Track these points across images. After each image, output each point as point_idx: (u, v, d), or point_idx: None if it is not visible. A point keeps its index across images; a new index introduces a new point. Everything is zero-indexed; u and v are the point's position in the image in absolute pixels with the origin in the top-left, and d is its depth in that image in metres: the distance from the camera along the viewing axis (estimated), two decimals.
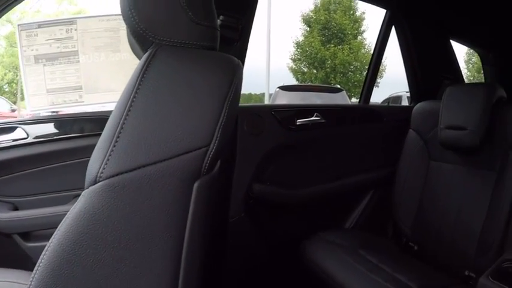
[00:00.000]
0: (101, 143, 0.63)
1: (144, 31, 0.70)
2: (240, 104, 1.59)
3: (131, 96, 0.64)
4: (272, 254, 1.77)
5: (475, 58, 15.52)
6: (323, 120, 1.79)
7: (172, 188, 0.63)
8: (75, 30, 1.55)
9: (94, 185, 0.60)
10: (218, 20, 1.38)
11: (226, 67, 0.74)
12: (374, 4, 1.97)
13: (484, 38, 2.47)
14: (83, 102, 1.58)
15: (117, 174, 0.60)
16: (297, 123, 1.73)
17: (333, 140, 1.86)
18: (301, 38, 18.05)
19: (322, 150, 1.84)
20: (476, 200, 1.59)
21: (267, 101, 13.06)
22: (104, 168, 0.60)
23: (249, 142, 1.61)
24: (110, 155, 0.61)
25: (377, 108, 2.01)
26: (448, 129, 1.65)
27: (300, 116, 1.75)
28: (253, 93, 18.51)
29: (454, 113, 1.65)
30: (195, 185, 0.66)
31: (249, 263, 1.73)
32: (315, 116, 1.77)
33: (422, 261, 1.67)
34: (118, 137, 0.62)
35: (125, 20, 0.72)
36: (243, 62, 1.52)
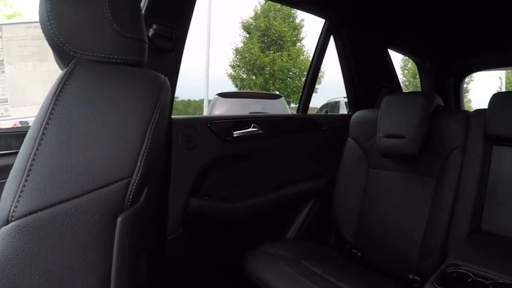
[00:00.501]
0: (12, 177, 0.54)
1: (64, 44, 0.62)
2: (174, 116, 1.51)
3: (43, 123, 0.56)
4: (214, 270, 1.71)
5: (411, 64, 16.48)
6: (261, 131, 1.74)
7: (92, 225, 0.56)
8: (0, 37, 1.40)
9: (6, 225, 0.52)
10: (151, 29, 1.29)
11: (151, 86, 0.67)
12: (313, 14, 1.96)
13: (421, 47, 2.56)
14: (9, 116, 1.42)
15: (30, 213, 0.53)
16: (234, 135, 1.67)
17: (272, 151, 1.82)
18: (240, 45, 18.13)
19: (260, 161, 1.80)
20: (416, 206, 1.63)
21: (206, 107, 12.95)
22: (15, 207, 0.52)
23: (184, 156, 1.53)
24: (21, 191, 0.53)
25: (315, 117, 2.01)
26: (386, 138, 1.67)
27: (237, 127, 1.69)
28: (192, 99, 18.31)
29: (392, 121, 1.67)
30: (119, 219, 0.59)
31: (190, 281, 1.64)
32: (252, 127, 1.72)
33: (366, 267, 1.68)
34: (30, 170, 0.54)
35: (43, 31, 0.63)
36: (177, 73, 1.45)
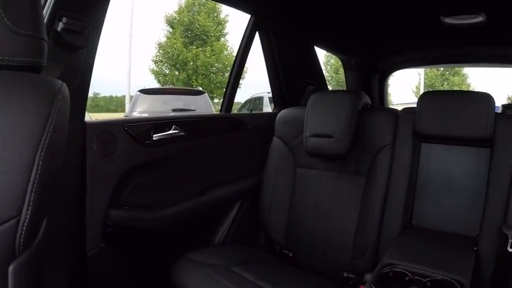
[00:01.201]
0: None
1: None
2: (88, 120, 1.34)
3: None
4: (141, 283, 1.59)
5: (333, 60, 17.13)
6: (182, 133, 1.64)
7: None
8: None
9: None
10: (60, 23, 1.13)
11: (41, 98, 0.54)
12: (239, 9, 1.88)
13: (347, 45, 2.59)
14: None
15: None
16: (154, 138, 1.55)
17: (195, 153, 1.72)
18: (163, 39, 17.65)
19: (183, 165, 1.70)
20: (347, 205, 1.64)
21: (127, 104, 12.41)
22: None
23: (100, 164, 1.38)
24: None
25: (240, 116, 1.94)
26: (313, 137, 1.65)
27: (157, 129, 1.56)
28: (114, 95, 17.52)
29: (319, 120, 1.65)
30: (10, 268, 0.47)
31: None
32: (173, 129, 1.61)
33: (299, 267, 1.66)
34: None
35: None
36: (90, 71, 1.30)
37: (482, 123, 1.47)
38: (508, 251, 1.34)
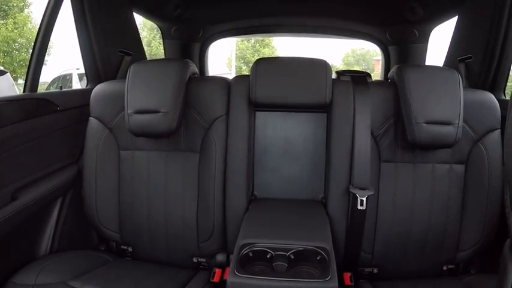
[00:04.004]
0: None
1: None
2: None
3: None
4: None
5: (145, 32, 16.42)
6: None
7: None
8: None
9: None
10: None
11: None
12: None
13: (167, 12, 2.40)
14: None
15: None
16: None
17: None
18: None
19: None
20: (183, 186, 1.53)
21: None
22: None
23: None
24: None
25: (48, 96, 1.58)
26: (137, 114, 1.45)
27: None
28: None
29: (142, 94, 1.46)
30: None
31: None
32: None
33: (144, 262, 1.54)
34: None
35: None
36: None
37: (321, 89, 1.49)
38: (358, 209, 1.41)
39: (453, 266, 1.51)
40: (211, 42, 2.78)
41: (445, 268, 1.51)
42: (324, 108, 1.54)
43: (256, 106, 1.56)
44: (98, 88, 1.62)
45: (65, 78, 7.33)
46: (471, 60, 1.74)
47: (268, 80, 1.51)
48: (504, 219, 1.46)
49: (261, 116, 1.59)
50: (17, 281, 1.26)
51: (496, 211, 1.46)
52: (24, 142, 1.44)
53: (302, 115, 1.58)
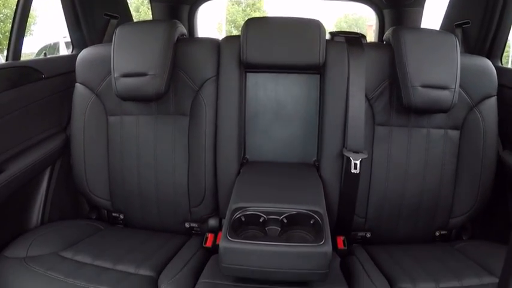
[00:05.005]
0: None
1: None
2: None
3: None
4: None
5: None
6: None
7: None
8: None
9: None
10: None
11: None
12: None
13: None
14: None
15: None
16: None
17: None
18: None
19: None
20: (173, 150, 1.51)
21: None
22: None
23: None
24: None
25: (32, 63, 1.53)
26: (124, 78, 1.41)
27: None
28: None
29: (129, 57, 1.42)
30: None
31: None
32: None
33: (136, 229, 1.54)
34: None
35: None
36: None
37: (315, 50, 1.45)
38: (351, 172, 1.40)
39: (445, 232, 1.53)
40: (200, 4, 2.69)
41: (437, 234, 1.52)
42: (317, 70, 1.51)
43: (247, 67, 1.51)
44: (84, 53, 1.57)
45: (52, 47, 7.16)
46: (468, 26, 1.70)
47: (260, 40, 1.47)
48: (497, 187, 1.49)
49: (252, 78, 1.55)
50: (8, 254, 1.24)
51: (489, 178, 1.46)
52: (9, 112, 1.40)
53: (294, 76, 1.54)
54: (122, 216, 1.58)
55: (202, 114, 1.48)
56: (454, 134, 1.47)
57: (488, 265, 1.24)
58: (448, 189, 1.47)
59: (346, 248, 1.42)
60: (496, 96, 1.46)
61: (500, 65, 1.65)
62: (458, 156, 1.47)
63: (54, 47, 7.22)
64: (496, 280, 1.15)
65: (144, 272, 1.20)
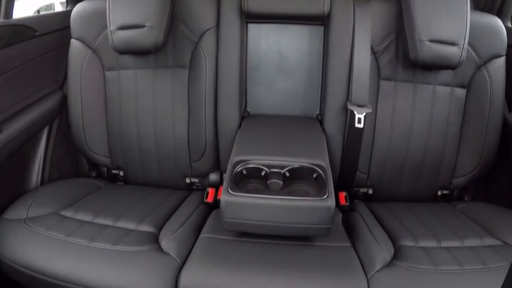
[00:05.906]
0: None
1: None
2: None
3: None
4: None
5: None
6: None
7: None
8: None
9: None
10: None
11: None
12: None
13: None
14: None
15: None
16: None
17: None
18: None
19: None
20: (173, 104, 1.48)
21: None
22: None
23: None
24: None
25: (23, 21, 1.47)
26: (121, 31, 1.36)
27: None
28: None
29: (125, 8, 1.36)
30: None
31: None
32: None
33: (136, 186, 1.53)
34: None
35: None
36: None
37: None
38: (355, 127, 1.37)
39: (447, 192, 1.52)
40: None
41: (439, 193, 1.51)
42: (322, 21, 1.46)
43: (248, 17, 1.47)
44: (78, 7, 1.51)
45: (48, 8, 6.99)
46: None
47: None
48: (500, 150, 1.46)
49: (254, 28, 1.50)
50: (8, 216, 1.23)
51: (494, 140, 1.44)
52: (3, 72, 1.36)
53: (297, 27, 1.49)
54: (121, 173, 1.57)
55: (203, 66, 1.44)
56: (461, 92, 1.43)
57: (490, 227, 1.23)
58: (452, 149, 1.45)
59: (348, 204, 1.41)
60: (504, 57, 1.41)
61: (510, 25, 1.60)
62: (463, 116, 1.44)
63: (49, 8, 7.04)
64: (498, 242, 1.16)
65: (145, 228, 1.19)
